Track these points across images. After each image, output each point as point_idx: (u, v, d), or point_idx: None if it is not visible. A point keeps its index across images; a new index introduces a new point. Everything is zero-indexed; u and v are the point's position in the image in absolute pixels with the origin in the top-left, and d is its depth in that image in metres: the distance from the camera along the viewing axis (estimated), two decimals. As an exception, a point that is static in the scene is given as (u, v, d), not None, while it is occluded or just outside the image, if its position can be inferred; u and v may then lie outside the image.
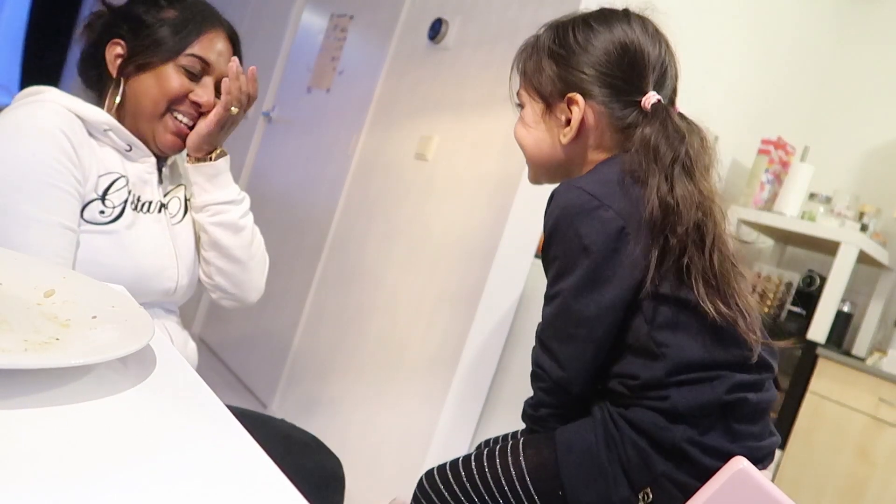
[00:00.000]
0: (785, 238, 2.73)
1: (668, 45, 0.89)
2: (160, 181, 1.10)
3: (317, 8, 3.11)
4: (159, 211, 1.09)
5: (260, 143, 3.19)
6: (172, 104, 1.04)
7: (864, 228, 2.44)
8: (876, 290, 2.64)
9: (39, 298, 0.58)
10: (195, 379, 0.55)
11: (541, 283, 2.00)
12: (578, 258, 0.80)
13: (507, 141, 1.91)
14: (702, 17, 2.15)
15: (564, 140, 0.89)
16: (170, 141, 1.06)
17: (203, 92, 1.06)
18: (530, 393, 0.90)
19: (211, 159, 1.11)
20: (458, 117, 2.12)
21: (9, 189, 0.90)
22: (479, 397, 1.92)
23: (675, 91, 0.91)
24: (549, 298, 0.85)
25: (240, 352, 2.90)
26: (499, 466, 0.87)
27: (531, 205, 1.86)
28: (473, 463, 0.90)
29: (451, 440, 1.88)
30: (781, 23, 2.58)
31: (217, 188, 1.12)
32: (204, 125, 1.06)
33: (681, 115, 0.89)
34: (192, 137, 1.07)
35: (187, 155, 1.12)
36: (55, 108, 0.95)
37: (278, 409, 2.50)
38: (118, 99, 1.04)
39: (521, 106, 0.95)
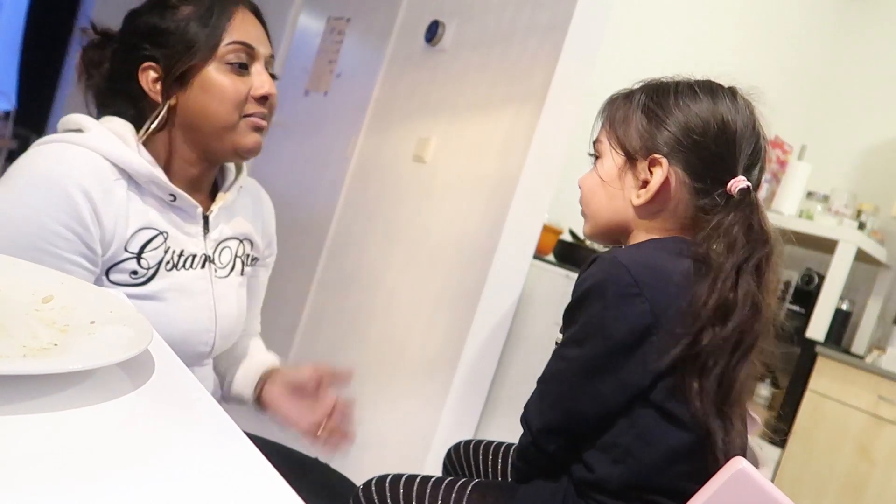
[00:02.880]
0: (783, 237, 2.74)
1: (764, 138, 0.85)
2: (206, 230, 0.99)
3: (314, 11, 3.11)
4: (203, 266, 0.98)
5: (258, 147, 3.19)
6: (240, 110, 0.94)
7: (861, 226, 2.44)
8: (874, 287, 2.65)
9: (37, 304, 0.58)
10: (194, 383, 0.55)
11: (539, 283, 2.00)
12: (595, 338, 0.76)
13: (505, 142, 1.92)
14: (699, 15, 2.15)
15: (637, 201, 0.83)
16: (252, 141, 0.96)
17: (262, 82, 0.94)
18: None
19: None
20: (456, 119, 2.12)
21: (3, 249, 0.79)
22: (479, 399, 1.92)
23: (758, 185, 0.85)
24: (557, 355, 0.82)
25: (239, 355, 2.90)
26: (440, 497, 0.87)
27: (529, 206, 1.86)
28: (416, 483, 0.90)
29: (451, 442, 1.88)
30: (778, 22, 2.58)
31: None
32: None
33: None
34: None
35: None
36: (87, 156, 0.86)
37: (278, 413, 2.50)
38: (163, 126, 0.94)
39: (595, 157, 0.90)
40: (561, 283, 1.88)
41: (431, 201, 2.12)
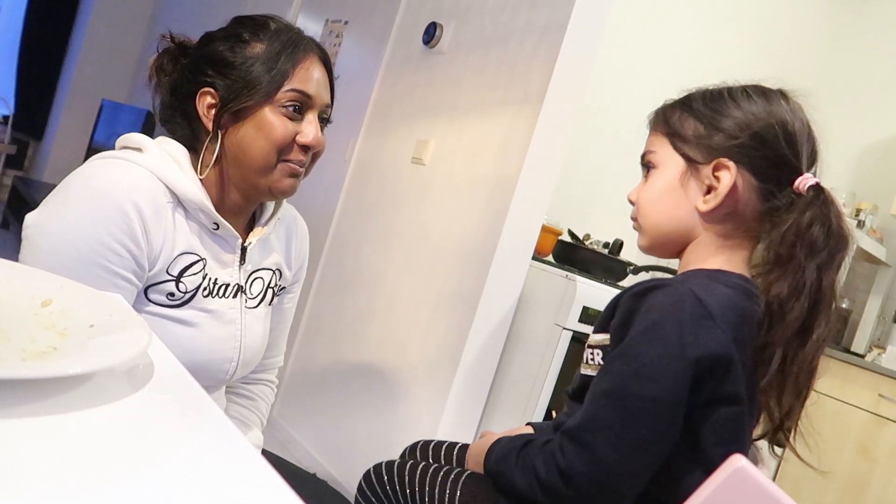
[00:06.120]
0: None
1: (818, 140, 0.85)
2: (242, 261, 1.00)
3: (312, 13, 3.11)
4: (235, 295, 0.99)
5: (257, 150, 3.19)
6: (281, 153, 0.94)
7: (860, 225, 2.45)
8: (874, 286, 2.65)
9: (37, 308, 0.58)
10: (194, 385, 0.55)
11: (539, 284, 2.00)
12: (665, 374, 0.73)
13: (504, 143, 1.92)
14: (695, 17, 2.15)
15: (704, 207, 0.81)
16: (287, 184, 0.96)
17: (309, 130, 0.96)
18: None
19: None
20: (454, 121, 2.12)
21: (57, 263, 0.81)
22: (480, 400, 1.92)
23: None
24: (618, 395, 0.74)
25: (239, 358, 2.90)
26: (437, 485, 0.89)
27: (528, 207, 1.86)
28: (415, 470, 0.93)
29: (451, 443, 1.88)
30: (776, 21, 2.59)
31: None
32: None
33: None
34: None
35: None
36: (143, 175, 0.87)
37: (279, 416, 2.50)
38: (214, 155, 0.94)
39: (648, 167, 0.88)
40: (560, 284, 1.88)
41: (430, 203, 2.12)
